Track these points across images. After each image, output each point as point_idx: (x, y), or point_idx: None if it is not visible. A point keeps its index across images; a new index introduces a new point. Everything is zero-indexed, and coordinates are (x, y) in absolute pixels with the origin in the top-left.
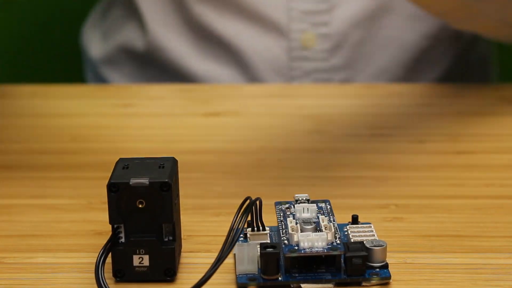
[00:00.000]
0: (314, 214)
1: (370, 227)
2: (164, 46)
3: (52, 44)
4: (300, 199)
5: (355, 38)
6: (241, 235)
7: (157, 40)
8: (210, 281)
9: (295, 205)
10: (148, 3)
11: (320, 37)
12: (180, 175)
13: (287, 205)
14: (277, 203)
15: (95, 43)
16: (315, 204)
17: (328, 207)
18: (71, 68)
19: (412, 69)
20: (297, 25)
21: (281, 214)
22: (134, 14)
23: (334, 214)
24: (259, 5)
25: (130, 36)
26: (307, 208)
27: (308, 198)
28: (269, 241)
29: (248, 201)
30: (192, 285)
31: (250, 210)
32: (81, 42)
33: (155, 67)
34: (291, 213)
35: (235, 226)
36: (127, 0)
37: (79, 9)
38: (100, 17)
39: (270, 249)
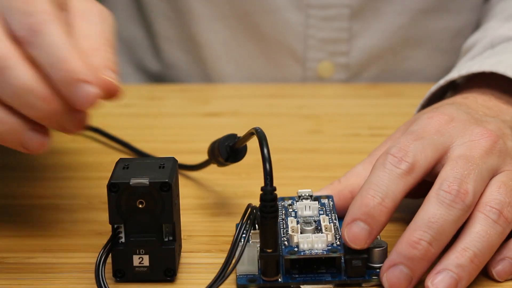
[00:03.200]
0: (316, 212)
1: None
2: (176, 66)
3: None
4: (303, 194)
5: (374, 69)
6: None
7: (170, 61)
8: None
9: (297, 203)
10: (161, 24)
11: (338, 67)
12: (180, 175)
13: (289, 202)
14: (280, 199)
15: None
16: (317, 202)
17: (331, 203)
18: None
19: None
20: (314, 54)
21: (283, 212)
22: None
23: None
24: (275, 30)
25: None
26: (309, 206)
27: (312, 194)
28: None
29: (250, 209)
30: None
31: (254, 219)
32: None
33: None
34: (293, 210)
35: (240, 236)
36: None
37: None
38: None
39: (270, 251)
